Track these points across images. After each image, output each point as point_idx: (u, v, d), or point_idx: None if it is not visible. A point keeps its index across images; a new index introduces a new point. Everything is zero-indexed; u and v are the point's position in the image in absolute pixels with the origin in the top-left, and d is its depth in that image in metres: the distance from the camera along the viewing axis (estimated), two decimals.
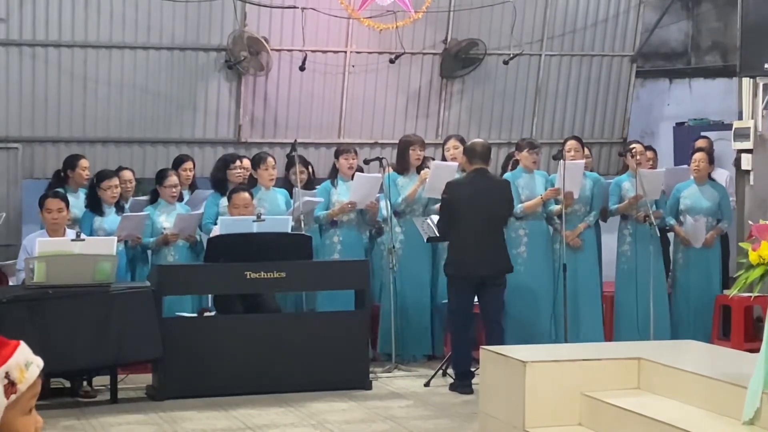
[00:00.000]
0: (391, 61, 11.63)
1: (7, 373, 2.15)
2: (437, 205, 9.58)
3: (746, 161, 10.84)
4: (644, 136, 13.04)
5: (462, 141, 10.30)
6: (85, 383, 8.68)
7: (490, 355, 6.90)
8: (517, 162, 10.18)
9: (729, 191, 10.79)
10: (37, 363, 2.22)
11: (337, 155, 10.24)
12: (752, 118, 10.75)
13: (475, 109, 12.17)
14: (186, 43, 11.10)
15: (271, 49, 11.15)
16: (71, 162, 9.94)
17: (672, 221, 10.34)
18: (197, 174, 10.55)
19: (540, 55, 12.30)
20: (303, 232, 9.29)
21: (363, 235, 10.23)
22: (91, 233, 9.11)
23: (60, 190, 9.26)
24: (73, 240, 8.28)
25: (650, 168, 10.55)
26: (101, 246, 8.31)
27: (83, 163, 9.92)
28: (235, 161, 10.04)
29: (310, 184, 10.32)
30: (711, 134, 12.07)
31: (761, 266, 5.55)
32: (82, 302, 8.09)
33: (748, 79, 10.71)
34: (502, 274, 8.84)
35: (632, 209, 10.12)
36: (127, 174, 10.12)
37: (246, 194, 9.26)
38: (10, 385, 2.15)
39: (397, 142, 10.68)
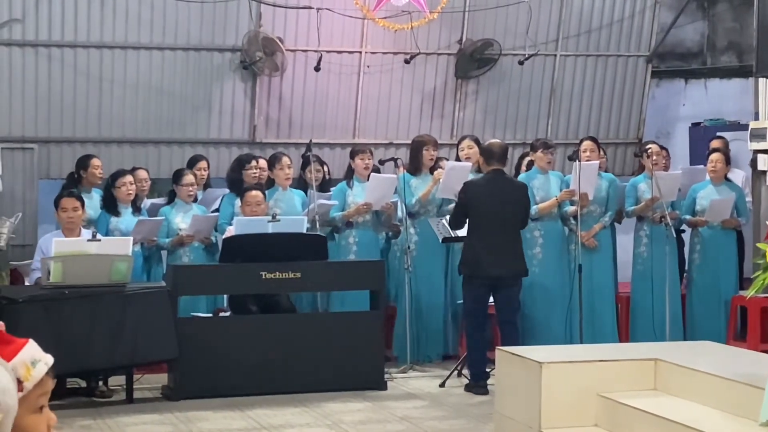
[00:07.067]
0: (406, 62, 11.63)
1: (12, 370, 2.14)
2: (451, 206, 9.58)
3: (762, 162, 10.81)
4: (660, 136, 13.00)
5: (477, 141, 10.29)
6: (100, 383, 8.69)
7: (505, 356, 6.89)
8: (532, 162, 10.16)
9: (745, 191, 10.75)
10: (45, 361, 2.19)
11: (352, 156, 10.23)
12: None
13: (490, 110, 12.15)
14: (201, 43, 11.12)
15: (286, 50, 11.15)
16: (84, 162, 9.95)
17: (689, 218, 10.29)
18: (212, 174, 10.58)
19: (555, 55, 12.28)
20: (318, 233, 9.30)
21: (379, 235, 10.22)
22: (106, 234, 9.13)
23: (74, 190, 9.27)
24: (89, 240, 8.28)
25: (663, 167, 10.52)
26: (117, 246, 8.32)
27: (95, 162, 9.93)
28: (250, 161, 10.05)
29: (325, 184, 10.32)
30: (727, 135, 12.03)
31: None
32: (98, 302, 8.11)
33: (764, 79, 10.67)
34: (517, 277, 8.83)
35: (649, 211, 10.09)
36: (142, 173, 10.14)
37: (258, 192, 9.27)
38: (17, 383, 2.14)
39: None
